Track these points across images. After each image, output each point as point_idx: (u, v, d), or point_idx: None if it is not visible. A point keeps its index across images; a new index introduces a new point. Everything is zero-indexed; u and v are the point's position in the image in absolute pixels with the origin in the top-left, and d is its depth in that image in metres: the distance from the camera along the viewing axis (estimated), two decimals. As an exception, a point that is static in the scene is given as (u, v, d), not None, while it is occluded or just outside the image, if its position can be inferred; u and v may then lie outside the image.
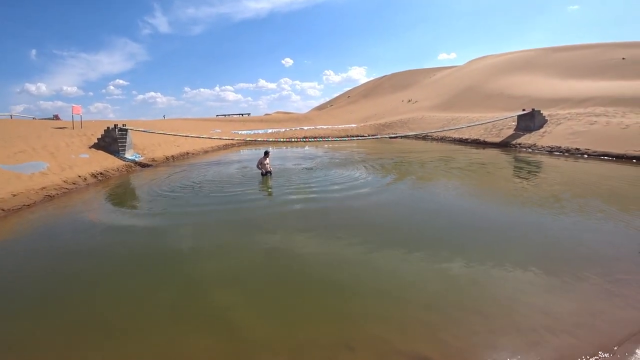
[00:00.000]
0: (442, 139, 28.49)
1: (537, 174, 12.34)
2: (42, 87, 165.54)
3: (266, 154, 11.90)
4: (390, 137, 28.79)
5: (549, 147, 18.05)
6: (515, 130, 22.73)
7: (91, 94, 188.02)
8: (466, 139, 25.53)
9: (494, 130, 24.29)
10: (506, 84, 36.14)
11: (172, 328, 3.75)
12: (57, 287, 4.87)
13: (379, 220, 7.20)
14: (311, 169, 13.93)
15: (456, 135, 27.09)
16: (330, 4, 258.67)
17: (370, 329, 3.64)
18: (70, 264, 5.63)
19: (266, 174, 11.71)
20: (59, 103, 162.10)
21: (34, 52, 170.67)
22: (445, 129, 25.70)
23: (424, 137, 30.69)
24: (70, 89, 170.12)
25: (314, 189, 9.93)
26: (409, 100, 56.84)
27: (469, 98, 38.89)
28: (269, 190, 10.31)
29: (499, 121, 24.16)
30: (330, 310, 4.03)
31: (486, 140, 23.60)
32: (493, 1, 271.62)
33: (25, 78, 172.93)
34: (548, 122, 20.82)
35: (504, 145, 21.67)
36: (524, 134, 21.50)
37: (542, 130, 20.47)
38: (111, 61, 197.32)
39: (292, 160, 17.32)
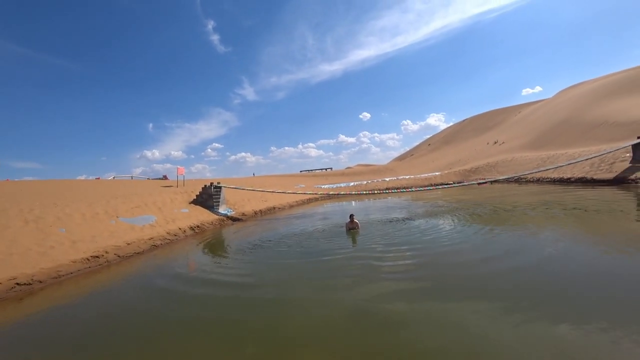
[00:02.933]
0: (539, 181, 25.93)
1: None
2: (156, 153, 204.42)
3: (351, 217, 11.84)
4: (479, 184, 27.28)
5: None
6: (631, 162, 19.78)
7: (192, 156, 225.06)
8: (568, 178, 22.85)
9: (603, 165, 21.42)
10: (610, 111, 32.13)
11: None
12: (150, 330, 5.33)
13: (481, 282, 6.02)
14: (399, 221, 13.32)
15: (555, 175, 24.46)
16: (402, 57, 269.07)
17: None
18: (165, 308, 6.22)
19: (352, 229, 11.61)
20: (168, 165, 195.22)
21: (150, 125, 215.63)
22: (542, 169, 23.46)
23: (517, 180, 28.32)
24: (177, 153, 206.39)
25: (403, 245, 9.18)
26: (495, 142, 53.73)
27: (566, 132, 35.30)
28: (354, 245, 9.89)
29: (609, 154, 21.34)
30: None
31: (595, 177, 20.82)
32: (577, 24, 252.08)
33: (144, 146, 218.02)
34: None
35: (620, 181, 18.84)
36: (645, 166, 18.57)
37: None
38: (208, 128, 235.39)
39: (376, 213, 17.04)
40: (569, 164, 22.39)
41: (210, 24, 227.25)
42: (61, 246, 9.44)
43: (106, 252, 9.93)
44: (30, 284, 7.60)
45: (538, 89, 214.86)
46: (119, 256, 10.13)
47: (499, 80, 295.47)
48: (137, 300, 6.88)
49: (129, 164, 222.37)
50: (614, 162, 20.88)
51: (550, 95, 70.54)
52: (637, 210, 11.81)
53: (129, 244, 10.97)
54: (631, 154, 20.16)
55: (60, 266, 8.51)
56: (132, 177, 47.13)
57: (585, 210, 11.86)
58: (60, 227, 10.54)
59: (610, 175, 19.86)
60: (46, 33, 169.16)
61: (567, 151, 27.85)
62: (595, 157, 21.57)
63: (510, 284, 5.79)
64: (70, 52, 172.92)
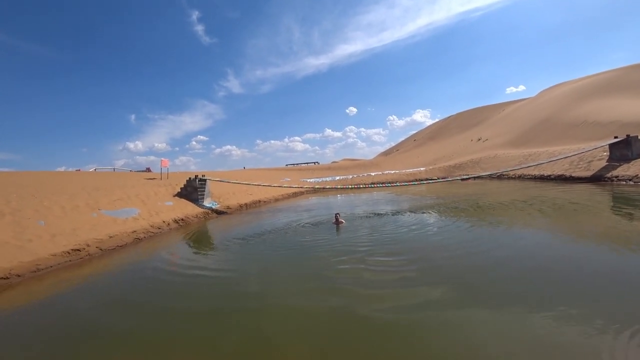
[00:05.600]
0: (520, 177, 26.57)
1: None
2: (139, 145, 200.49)
3: (336, 216, 11.99)
4: (462, 179, 27.64)
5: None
6: (608, 161, 20.47)
7: (177, 149, 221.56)
8: (548, 176, 23.47)
9: (581, 163, 22.11)
10: (589, 111, 33.13)
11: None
12: (130, 327, 5.13)
13: (454, 272, 6.32)
14: (386, 215, 13.40)
15: (536, 172, 25.10)
16: (388, 53, 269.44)
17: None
18: (145, 305, 6.00)
19: (338, 223, 11.76)
20: (151, 157, 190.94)
21: (133, 117, 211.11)
22: (523, 166, 24.03)
23: (499, 177, 28.89)
24: (160, 145, 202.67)
25: (389, 240, 9.17)
26: (479, 139, 54.66)
27: (547, 130, 36.21)
28: (340, 241, 9.67)
29: (587, 152, 22.03)
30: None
31: (573, 175, 21.47)
32: (559, 26, 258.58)
33: (126, 138, 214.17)
34: (649, 149, 18.50)
35: (597, 179, 19.49)
36: (621, 165, 19.24)
37: (643, 158, 18.20)
38: (193, 120, 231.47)
39: (361, 207, 17.18)
40: (549, 162, 23.02)
41: (195, 14, 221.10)
42: (40, 239, 9.16)
43: (87, 246, 9.69)
44: (7, 277, 7.35)
45: (522, 87, 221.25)
46: (101, 249, 9.89)
47: (483, 78, 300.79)
48: (118, 296, 6.67)
49: (111, 155, 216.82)
50: (591, 161, 21.56)
51: (533, 94, 72.17)
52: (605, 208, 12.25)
53: (111, 237, 10.72)
54: (608, 153, 20.86)
55: (40, 260, 8.26)
56: (114, 169, 45.92)
57: (576, 204, 12.34)
58: (38, 219, 10.22)
59: (588, 173, 20.51)
60: (24, 20, 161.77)
61: (548, 149, 28.61)
62: (574, 155, 22.24)
63: (514, 283, 5.88)
64: (49, 41, 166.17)
